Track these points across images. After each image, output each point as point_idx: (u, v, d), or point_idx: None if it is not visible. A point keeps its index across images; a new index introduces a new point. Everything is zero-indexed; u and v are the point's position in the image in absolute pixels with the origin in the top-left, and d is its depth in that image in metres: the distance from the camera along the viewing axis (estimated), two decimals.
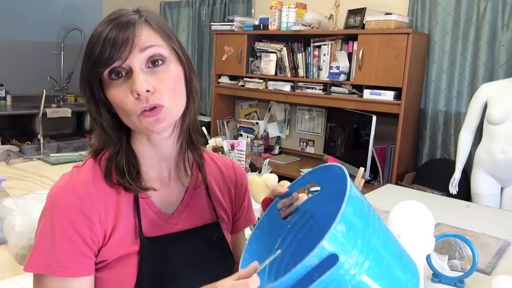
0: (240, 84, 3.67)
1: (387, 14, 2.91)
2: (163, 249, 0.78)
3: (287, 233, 0.80)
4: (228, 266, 0.87)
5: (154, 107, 0.72)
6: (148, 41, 0.72)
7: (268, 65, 3.51)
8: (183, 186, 0.85)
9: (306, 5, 3.39)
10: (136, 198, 0.78)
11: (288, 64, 3.43)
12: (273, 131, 3.89)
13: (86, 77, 0.74)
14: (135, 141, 0.80)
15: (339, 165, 0.71)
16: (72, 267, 0.71)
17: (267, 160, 1.89)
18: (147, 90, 0.70)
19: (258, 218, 1.23)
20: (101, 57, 0.71)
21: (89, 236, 0.72)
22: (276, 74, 3.49)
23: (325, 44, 3.23)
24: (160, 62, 0.73)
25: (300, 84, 3.35)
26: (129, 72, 0.71)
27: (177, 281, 0.79)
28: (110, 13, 0.76)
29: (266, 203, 0.82)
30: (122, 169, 0.76)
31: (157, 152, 0.81)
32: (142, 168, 0.79)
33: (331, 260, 0.56)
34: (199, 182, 0.87)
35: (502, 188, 2.54)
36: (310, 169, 0.80)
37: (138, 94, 0.70)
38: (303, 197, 1.09)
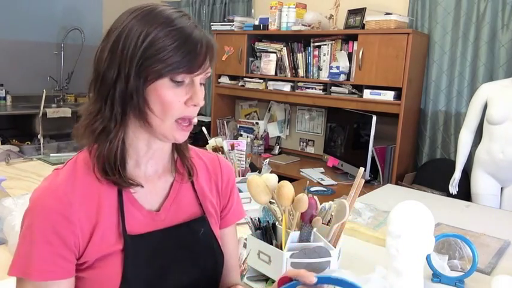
0: (240, 84, 3.67)
1: (387, 14, 2.91)
2: (149, 246, 0.78)
3: None
4: (216, 259, 0.88)
5: (190, 122, 0.77)
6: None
7: (268, 65, 3.51)
8: (168, 182, 0.86)
9: (306, 5, 3.39)
10: (120, 195, 0.78)
11: (288, 64, 3.43)
12: (273, 131, 3.89)
13: (149, 72, 0.72)
14: (133, 137, 0.79)
15: None
16: (50, 271, 0.71)
17: (267, 160, 1.89)
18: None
19: (254, 218, 1.23)
20: (198, 61, 0.73)
21: (69, 238, 0.72)
22: (276, 74, 3.49)
23: (325, 44, 3.23)
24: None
25: (300, 84, 3.35)
26: (189, 81, 0.75)
27: (166, 277, 0.80)
28: (169, 17, 0.73)
29: (283, 281, 0.74)
30: (114, 162, 0.76)
31: (150, 151, 0.81)
32: (130, 164, 0.80)
33: None
34: (185, 178, 0.87)
35: (502, 188, 2.54)
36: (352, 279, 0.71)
37: (195, 105, 0.75)
38: (303, 197, 1.10)
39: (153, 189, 0.83)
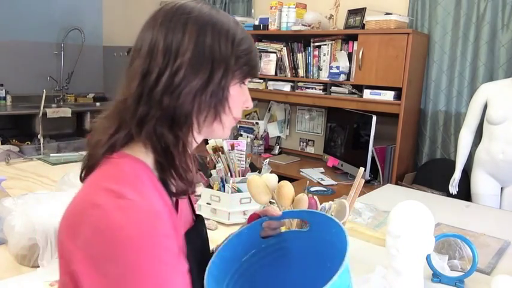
0: None
1: (387, 14, 2.91)
2: (191, 258, 0.74)
3: (258, 251, 0.83)
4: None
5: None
6: None
7: (268, 65, 3.51)
8: None
9: (306, 5, 3.39)
10: (176, 203, 0.75)
11: (288, 64, 3.43)
12: (273, 131, 3.89)
13: (238, 71, 0.73)
14: (191, 140, 0.74)
15: (343, 227, 0.73)
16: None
17: (267, 160, 1.89)
18: None
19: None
20: (258, 68, 0.78)
21: (176, 251, 0.65)
22: (276, 74, 3.49)
23: (325, 44, 3.23)
24: None
25: (300, 84, 3.35)
26: (244, 86, 0.77)
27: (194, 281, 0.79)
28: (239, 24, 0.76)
29: (253, 218, 0.84)
30: (183, 162, 0.70)
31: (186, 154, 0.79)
32: None
33: None
34: None
35: (502, 188, 2.54)
36: (308, 210, 0.86)
37: (247, 107, 0.79)
38: (303, 197, 1.10)
39: None
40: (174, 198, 0.75)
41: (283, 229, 0.89)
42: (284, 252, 0.84)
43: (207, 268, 0.72)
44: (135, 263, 0.57)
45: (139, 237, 0.58)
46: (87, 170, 0.72)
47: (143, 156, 0.69)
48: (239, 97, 0.76)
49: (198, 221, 0.86)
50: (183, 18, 0.69)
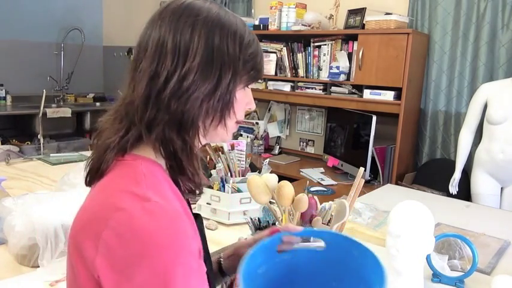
0: None
1: (387, 14, 2.91)
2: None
3: (271, 264, 0.81)
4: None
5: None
6: None
7: (268, 65, 3.51)
8: None
9: (306, 5, 3.39)
10: (189, 204, 0.75)
11: (288, 64, 3.43)
12: (273, 131, 3.89)
13: (248, 71, 0.73)
14: (197, 144, 0.74)
15: (379, 261, 0.70)
16: None
17: (267, 160, 1.89)
18: None
19: (254, 218, 1.24)
20: (263, 71, 0.76)
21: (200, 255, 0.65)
22: (276, 74, 3.49)
23: (325, 44, 3.23)
24: None
25: (300, 84, 3.35)
26: (247, 88, 0.77)
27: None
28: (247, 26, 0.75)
29: (273, 232, 0.83)
30: (191, 166, 0.70)
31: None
32: None
33: None
34: None
35: (502, 188, 2.54)
36: (330, 232, 0.83)
37: (250, 109, 0.78)
38: (303, 197, 1.09)
39: None
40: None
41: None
42: (294, 268, 0.82)
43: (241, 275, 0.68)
44: (163, 266, 0.56)
45: (167, 240, 0.57)
46: (96, 172, 0.70)
47: (154, 157, 0.69)
48: (243, 100, 0.75)
49: (198, 221, 0.86)
50: (191, 19, 0.67)
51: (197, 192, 0.75)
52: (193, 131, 0.69)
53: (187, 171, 0.69)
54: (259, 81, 3.50)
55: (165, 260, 0.56)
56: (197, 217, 0.86)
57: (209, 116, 0.69)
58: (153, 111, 0.66)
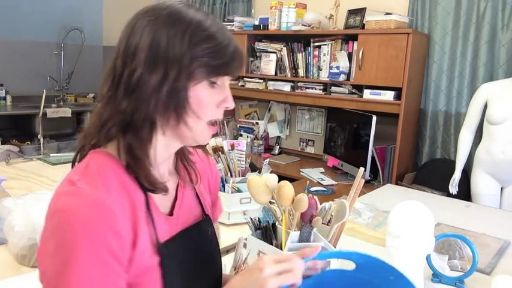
0: (240, 84, 3.67)
1: (387, 14, 2.91)
2: (177, 254, 0.76)
3: None
4: (220, 258, 0.89)
5: (216, 124, 0.77)
6: None
7: (268, 65, 3.51)
8: (174, 184, 0.84)
9: (306, 5, 3.39)
10: (147, 200, 0.74)
11: (288, 64, 3.43)
12: (273, 131, 3.89)
13: (199, 69, 0.70)
14: (155, 142, 0.74)
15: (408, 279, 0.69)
16: None
17: (267, 160, 1.89)
18: None
19: (254, 218, 1.23)
20: (233, 69, 0.73)
21: (122, 255, 0.66)
22: (276, 74, 3.49)
23: (325, 44, 3.23)
24: None
25: (300, 84, 3.35)
26: (221, 84, 0.74)
27: (193, 283, 0.79)
28: (213, 18, 0.74)
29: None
30: (146, 163, 0.72)
31: (166, 154, 0.79)
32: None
33: None
34: (187, 180, 0.86)
35: (502, 188, 2.54)
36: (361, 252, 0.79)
37: (227, 107, 0.75)
38: (303, 197, 1.10)
39: (164, 194, 0.79)
40: (166, 195, 0.76)
41: (282, 230, 0.88)
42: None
43: None
44: (68, 242, 0.62)
45: (76, 220, 0.62)
46: (72, 166, 0.77)
47: (116, 153, 0.72)
48: (209, 98, 0.73)
49: (202, 221, 0.86)
50: (145, 20, 0.71)
51: (156, 190, 0.74)
52: (147, 128, 0.71)
53: (140, 169, 0.71)
54: (259, 81, 3.51)
55: (69, 237, 0.62)
56: (203, 218, 0.86)
57: (163, 114, 0.71)
58: (109, 111, 0.71)
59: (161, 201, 0.78)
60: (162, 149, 0.76)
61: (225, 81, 0.75)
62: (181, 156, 0.86)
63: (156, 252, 0.71)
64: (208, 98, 0.73)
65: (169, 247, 0.74)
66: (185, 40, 0.69)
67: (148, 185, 0.73)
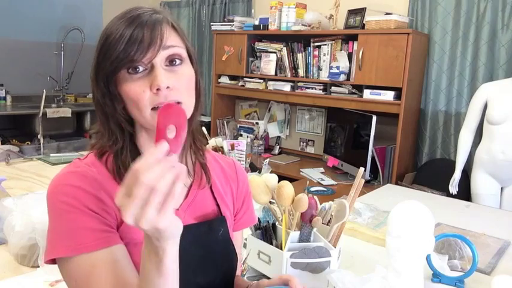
0: (240, 84, 3.67)
1: (387, 14, 2.91)
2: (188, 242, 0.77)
3: None
4: (231, 261, 0.88)
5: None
6: (171, 41, 0.74)
7: (268, 65, 3.51)
8: (185, 186, 0.84)
9: (306, 5, 3.39)
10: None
11: (288, 64, 3.43)
12: (273, 131, 3.89)
13: (104, 73, 0.74)
14: (140, 138, 0.79)
15: None
16: (102, 237, 0.70)
17: (267, 160, 1.89)
18: (167, 87, 0.71)
19: (259, 219, 1.23)
20: (127, 55, 0.71)
21: (103, 214, 0.72)
22: (276, 74, 3.50)
23: (325, 44, 3.23)
24: (178, 61, 0.75)
25: (300, 84, 3.35)
26: (148, 68, 0.72)
27: (193, 275, 0.79)
28: (125, 11, 0.76)
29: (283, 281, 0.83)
30: (129, 166, 0.75)
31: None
32: None
33: None
34: (204, 182, 0.86)
35: (502, 188, 2.54)
36: None
37: (158, 89, 0.70)
38: (303, 197, 1.09)
39: None
40: None
41: (282, 229, 0.87)
42: None
43: None
44: (51, 202, 0.73)
45: (61, 184, 0.74)
46: None
47: (106, 155, 0.79)
48: (131, 87, 0.72)
49: (214, 220, 0.86)
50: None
51: None
52: (112, 123, 0.77)
53: (115, 167, 0.77)
54: (259, 81, 3.51)
55: (50, 197, 0.74)
56: (218, 218, 0.87)
57: (120, 115, 0.76)
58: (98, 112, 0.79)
59: None
60: (150, 143, 0.79)
61: (154, 62, 0.72)
62: (196, 157, 0.87)
63: None
64: (136, 89, 0.72)
65: None
66: (97, 48, 0.75)
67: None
